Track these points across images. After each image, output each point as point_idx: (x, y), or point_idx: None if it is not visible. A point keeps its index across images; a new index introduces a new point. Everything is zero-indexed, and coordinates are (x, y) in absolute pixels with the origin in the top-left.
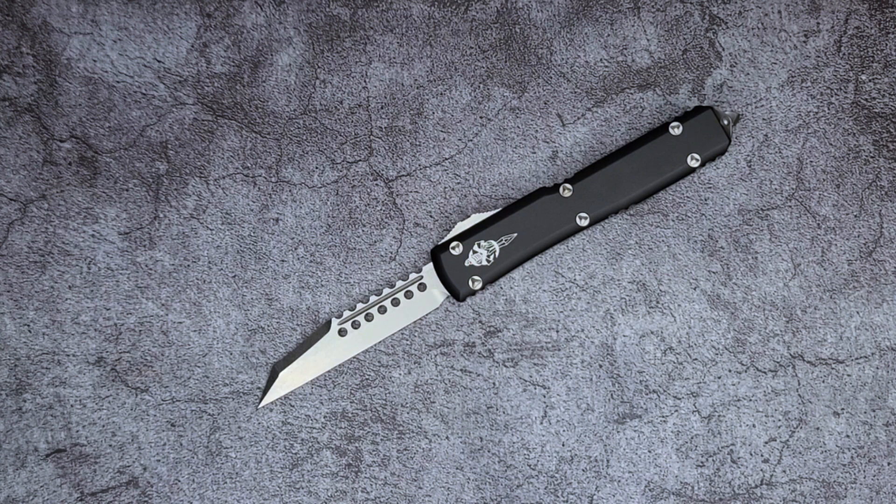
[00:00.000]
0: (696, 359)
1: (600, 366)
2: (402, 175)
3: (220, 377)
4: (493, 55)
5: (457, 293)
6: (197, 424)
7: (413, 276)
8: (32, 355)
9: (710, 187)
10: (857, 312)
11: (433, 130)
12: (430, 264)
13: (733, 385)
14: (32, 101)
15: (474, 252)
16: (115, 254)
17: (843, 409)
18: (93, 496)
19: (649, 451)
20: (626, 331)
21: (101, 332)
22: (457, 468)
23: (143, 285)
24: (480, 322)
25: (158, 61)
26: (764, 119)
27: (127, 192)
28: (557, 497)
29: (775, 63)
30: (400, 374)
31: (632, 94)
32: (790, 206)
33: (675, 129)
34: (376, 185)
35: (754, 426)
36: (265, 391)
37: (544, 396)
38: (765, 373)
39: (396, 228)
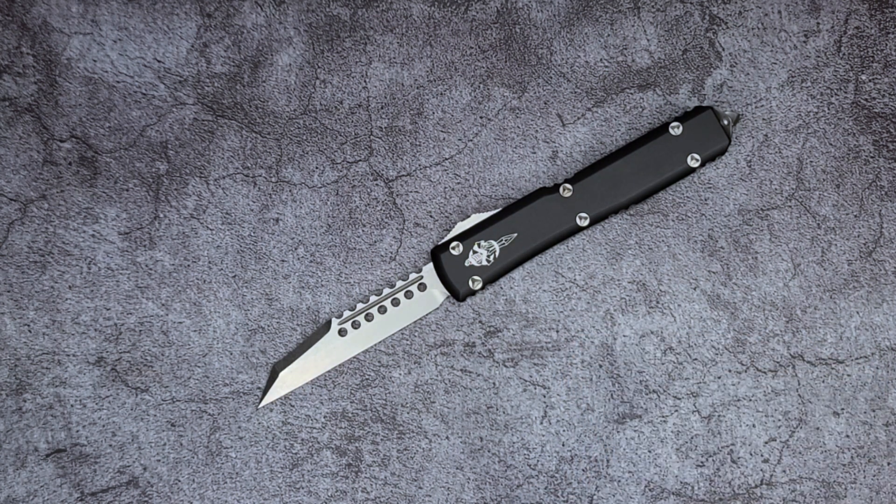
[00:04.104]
0: (696, 359)
1: (600, 366)
2: (402, 175)
3: (220, 377)
4: (493, 55)
5: (457, 293)
6: (197, 424)
7: (413, 276)
8: (32, 355)
9: (710, 187)
10: (857, 312)
11: (433, 130)
12: (430, 264)
13: (733, 385)
14: (32, 101)
15: (474, 252)
16: (115, 254)
17: (843, 409)
18: (93, 496)
19: (649, 451)
20: (626, 331)
21: (101, 332)
22: (457, 468)
23: (143, 285)
24: (480, 322)
25: (158, 61)
26: (764, 119)
27: (127, 192)
28: (557, 497)
29: (775, 63)
30: (400, 374)
31: (632, 94)
32: (790, 206)
33: (675, 129)
34: (376, 185)
35: (754, 426)
36: (265, 391)
37: (544, 396)
38: (765, 373)
39: (396, 228)
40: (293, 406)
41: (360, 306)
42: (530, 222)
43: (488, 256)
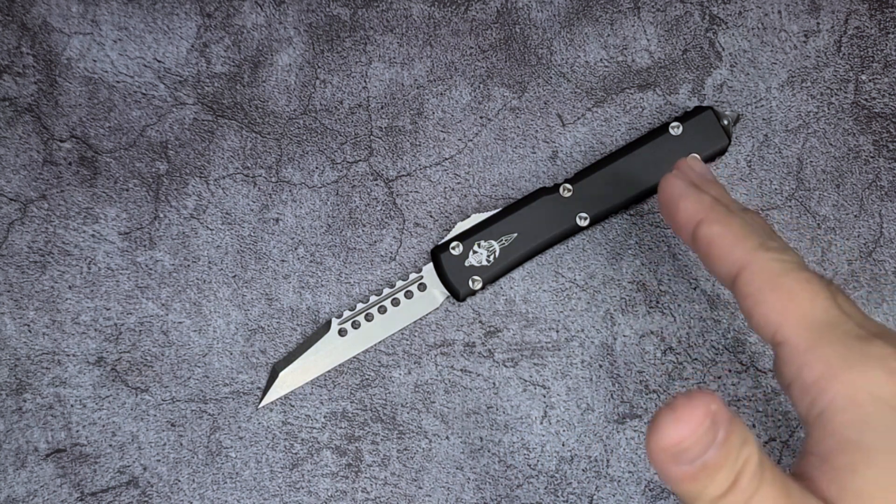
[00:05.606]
0: (696, 359)
1: (600, 366)
2: (402, 175)
3: (220, 377)
4: (493, 55)
5: (457, 293)
6: (197, 424)
7: (413, 276)
8: (32, 355)
9: None
10: None
11: (433, 130)
12: (430, 264)
13: (733, 385)
14: (32, 101)
15: (474, 252)
16: (115, 254)
17: None
18: (93, 496)
19: None
20: (626, 331)
21: (101, 332)
22: (457, 468)
23: (143, 285)
24: (480, 322)
25: (158, 61)
26: (764, 119)
27: (127, 192)
28: (557, 497)
29: (775, 63)
30: (400, 374)
31: (632, 94)
32: (790, 206)
33: (675, 129)
34: (376, 185)
35: (754, 426)
36: (265, 391)
37: (544, 396)
38: (765, 373)
39: (396, 228)
40: (293, 406)
41: (360, 306)
42: (530, 222)
43: (488, 256)
